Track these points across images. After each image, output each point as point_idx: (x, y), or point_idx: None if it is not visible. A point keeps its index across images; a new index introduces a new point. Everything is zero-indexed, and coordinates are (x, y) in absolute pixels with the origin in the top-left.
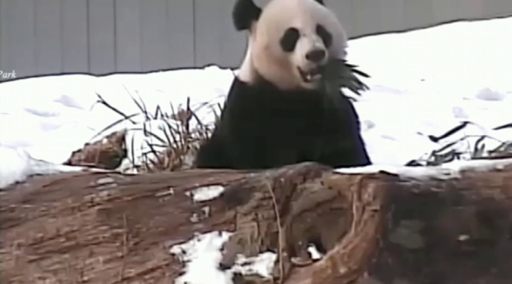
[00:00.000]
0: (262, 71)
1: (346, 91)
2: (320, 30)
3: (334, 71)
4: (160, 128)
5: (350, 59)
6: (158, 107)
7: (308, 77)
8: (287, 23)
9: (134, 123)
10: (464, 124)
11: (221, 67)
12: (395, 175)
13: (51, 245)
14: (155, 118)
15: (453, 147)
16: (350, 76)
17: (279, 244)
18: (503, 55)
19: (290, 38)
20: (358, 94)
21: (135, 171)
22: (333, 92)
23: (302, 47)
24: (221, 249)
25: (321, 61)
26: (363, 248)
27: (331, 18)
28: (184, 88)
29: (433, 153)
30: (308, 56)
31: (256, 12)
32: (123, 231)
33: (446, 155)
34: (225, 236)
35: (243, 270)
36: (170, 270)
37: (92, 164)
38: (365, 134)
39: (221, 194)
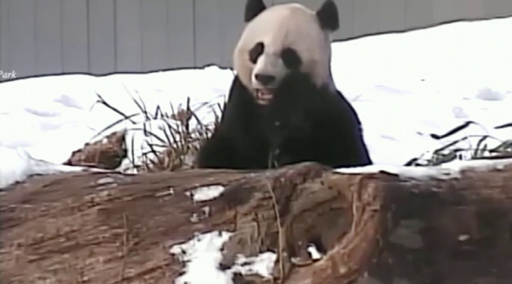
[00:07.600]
0: (235, 71)
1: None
2: (287, 53)
3: (290, 94)
4: (160, 128)
5: (349, 60)
6: (158, 107)
7: (259, 94)
8: (259, 36)
9: (134, 123)
10: (467, 123)
11: (221, 67)
12: (395, 175)
13: (51, 245)
14: (155, 118)
15: (455, 146)
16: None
17: (279, 244)
18: (503, 55)
19: (256, 51)
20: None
21: (135, 171)
22: (290, 113)
23: (256, 65)
24: (221, 249)
25: (268, 85)
26: (363, 248)
27: (313, 43)
28: (184, 88)
29: (435, 152)
30: (256, 77)
31: (258, 10)
32: (123, 231)
33: (448, 154)
34: (225, 236)
35: (243, 270)
36: (170, 270)
37: (92, 164)
38: (365, 134)
39: (221, 194)
